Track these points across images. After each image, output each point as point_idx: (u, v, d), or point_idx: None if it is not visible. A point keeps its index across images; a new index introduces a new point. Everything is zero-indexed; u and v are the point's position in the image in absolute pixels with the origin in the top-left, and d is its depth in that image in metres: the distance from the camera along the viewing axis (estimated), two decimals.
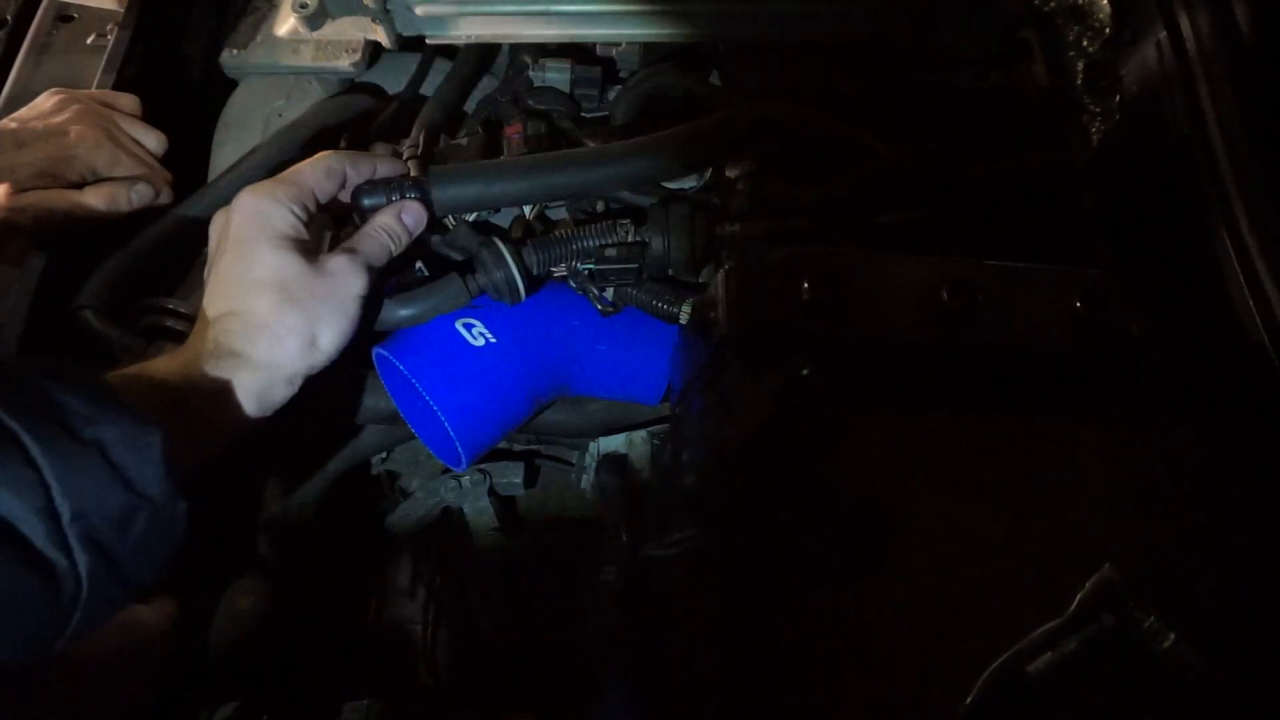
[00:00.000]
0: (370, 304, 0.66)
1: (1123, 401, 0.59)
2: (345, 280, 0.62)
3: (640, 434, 0.84)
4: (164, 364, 0.56)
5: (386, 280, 0.70)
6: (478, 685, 0.86)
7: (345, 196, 0.69)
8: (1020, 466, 0.54)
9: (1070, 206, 0.81)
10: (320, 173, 0.65)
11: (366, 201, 0.67)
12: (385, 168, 0.70)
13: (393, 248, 0.67)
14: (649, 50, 0.90)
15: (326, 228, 0.68)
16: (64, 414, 0.46)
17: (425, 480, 0.91)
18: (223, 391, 0.57)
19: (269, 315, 0.59)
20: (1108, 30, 0.87)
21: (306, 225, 0.63)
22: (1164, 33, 0.77)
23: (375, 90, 0.93)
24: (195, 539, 0.51)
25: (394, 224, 0.67)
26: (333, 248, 0.65)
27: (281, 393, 0.60)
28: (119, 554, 0.46)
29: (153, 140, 0.81)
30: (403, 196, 0.68)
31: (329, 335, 0.61)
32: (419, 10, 0.85)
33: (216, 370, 0.57)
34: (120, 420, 0.47)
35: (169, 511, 0.48)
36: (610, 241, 0.72)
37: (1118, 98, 0.84)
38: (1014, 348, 0.59)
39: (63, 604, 0.45)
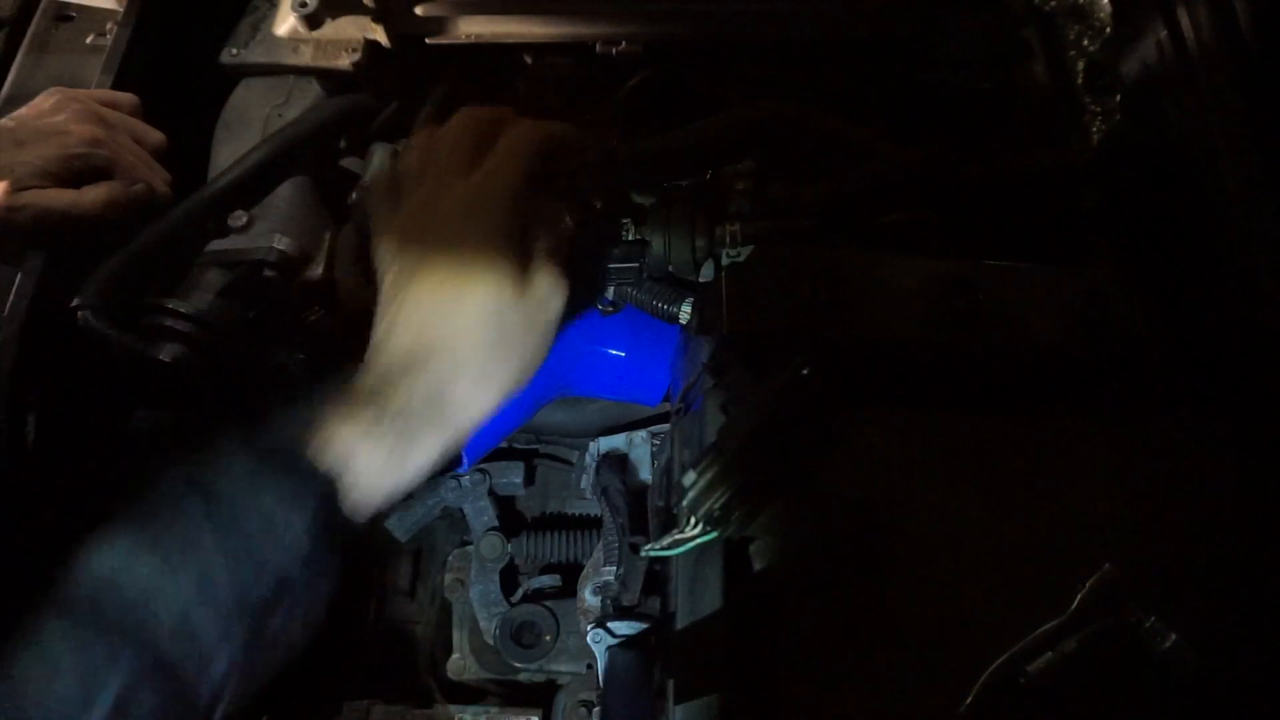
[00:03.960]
0: None
1: (1123, 401, 0.59)
2: (551, 305, 0.53)
3: (640, 434, 0.84)
4: (340, 414, 0.49)
5: None
6: (477, 685, 0.87)
7: None
8: (1020, 466, 0.54)
9: (1070, 206, 0.81)
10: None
11: None
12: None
13: None
14: (649, 50, 0.90)
15: None
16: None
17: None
18: (404, 449, 0.50)
19: (480, 366, 0.51)
20: (1108, 29, 0.87)
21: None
22: (1165, 32, 0.77)
23: (375, 90, 0.93)
24: None
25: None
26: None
27: (462, 442, 0.53)
28: None
29: (152, 140, 0.81)
30: None
31: (529, 372, 0.54)
32: (419, 10, 0.85)
33: (402, 428, 0.50)
34: None
35: None
36: None
37: (1118, 97, 0.84)
38: (1015, 348, 0.58)
39: None
